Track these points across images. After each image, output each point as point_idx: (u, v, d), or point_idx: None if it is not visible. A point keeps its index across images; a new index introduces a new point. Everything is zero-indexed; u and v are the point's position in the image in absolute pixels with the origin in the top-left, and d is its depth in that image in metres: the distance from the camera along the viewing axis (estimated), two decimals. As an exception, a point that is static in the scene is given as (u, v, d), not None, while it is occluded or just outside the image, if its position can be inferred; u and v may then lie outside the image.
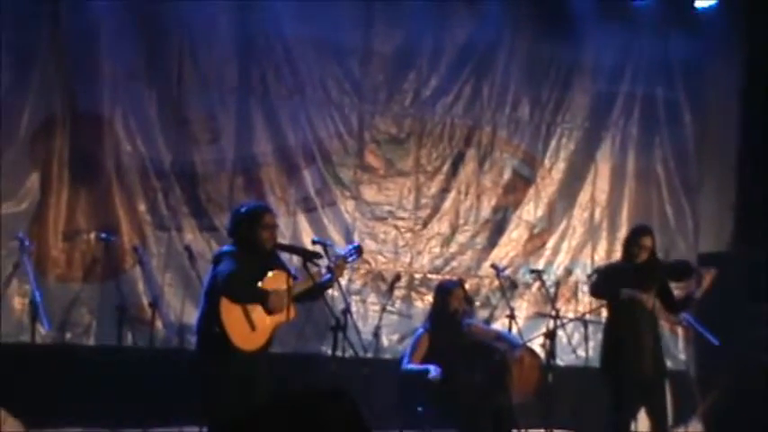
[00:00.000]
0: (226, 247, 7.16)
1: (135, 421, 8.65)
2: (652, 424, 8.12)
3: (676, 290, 8.37)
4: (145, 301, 9.26)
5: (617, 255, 10.65)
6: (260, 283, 6.92)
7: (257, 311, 6.87)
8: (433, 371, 7.66)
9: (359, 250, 7.50)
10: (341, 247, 7.74)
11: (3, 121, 9.06)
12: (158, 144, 9.64)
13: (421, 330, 8.16)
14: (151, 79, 9.65)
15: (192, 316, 9.07)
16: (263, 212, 7.12)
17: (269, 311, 6.88)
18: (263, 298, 6.84)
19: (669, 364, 10.47)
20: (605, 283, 8.24)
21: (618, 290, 7.98)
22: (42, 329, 8.60)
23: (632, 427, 8.42)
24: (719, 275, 8.01)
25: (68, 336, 9.27)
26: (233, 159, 9.90)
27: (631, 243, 8.09)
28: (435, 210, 10.62)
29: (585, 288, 10.49)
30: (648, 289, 7.94)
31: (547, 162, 11.02)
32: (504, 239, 10.83)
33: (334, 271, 7.17)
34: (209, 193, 9.80)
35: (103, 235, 9.00)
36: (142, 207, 9.59)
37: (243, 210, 7.16)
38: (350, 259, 7.43)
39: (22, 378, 7.76)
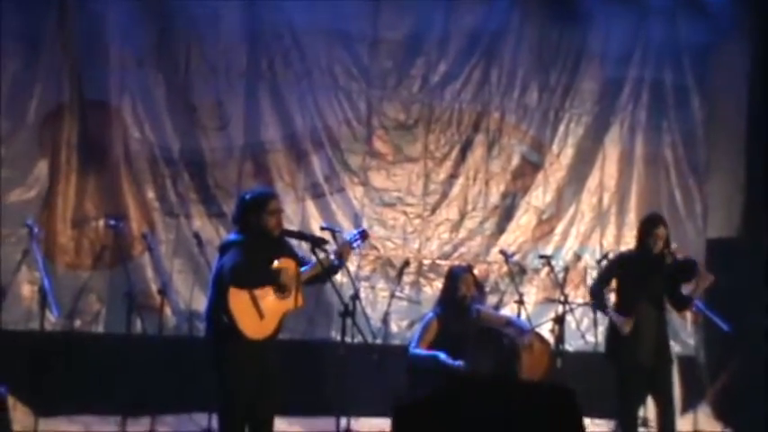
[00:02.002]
0: (232, 236, 7.14)
1: (144, 408, 8.68)
2: (658, 410, 8.13)
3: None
4: (154, 287, 9.28)
5: (626, 239, 10.73)
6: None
7: (265, 299, 6.87)
8: (445, 358, 7.66)
9: (364, 234, 7.49)
10: (348, 233, 7.73)
11: (11, 108, 9.08)
12: (166, 131, 9.65)
13: (431, 315, 8.15)
14: (159, 66, 9.66)
15: (200, 303, 9.09)
16: (268, 198, 7.11)
17: (281, 288, 6.86)
18: (273, 278, 6.83)
19: (678, 349, 10.56)
20: (600, 283, 8.28)
21: (604, 308, 8.05)
22: (51, 317, 8.63)
23: (641, 412, 8.43)
24: (728, 258, 8.00)
25: (77, 323, 9.30)
26: (241, 146, 9.90)
27: (646, 233, 8.06)
28: (444, 196, 10.62)
29: (594, 273, 10.48)
30: (650, 283, 7.94)
31: (555, 147, 11.00)
32: (512, 225, 10.82)
33: (342, 255, 7.17)
34: (217, 179, 9.81)
35: (112, 222, 9.00)
36: (151, 194, 9.60)
37: (248, 196, 7.13)
38: (355, 244, 7.41)
39: (31, 365, 7.77)
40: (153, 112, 9.62)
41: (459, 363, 7.67)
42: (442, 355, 7.70)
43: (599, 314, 9.75)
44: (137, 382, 8.48)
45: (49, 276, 8.09)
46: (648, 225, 8.14)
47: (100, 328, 9.36)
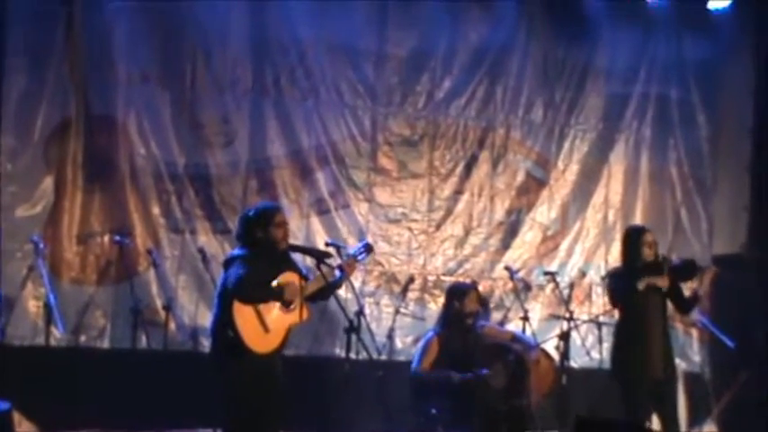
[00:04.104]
0: (237, 251, 7.14)
1: (149, 424, 8.69)
2: (663, 426, 8.11)
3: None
4: (159, 303, 9.28)
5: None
6: (273, 284, 6.91)
7: (270, 314, 6.87)
8: (457, 375, 7.68)
9: (369, 248, 7.49)
10: (352, 248, 7.74)
11: (17, 123, 9.10)
12: (172, 147, 9.67)
13: (431, 334, 8.14)
14: (165, 82, 9.68)
15: (205, 318, 9.11)
16: (274, 212, 7.12)
17: (286, 303, 6.86)
18: (277, 293, 6.83)
19: (684, 365, 10.54)
20: (619, 286, 8.21)
21: (634, 285, 7.94)
22: (57, 332, 8.66)
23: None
24: (734, 276, 8.00)
25: (83, 338, 9.30)
26: (246, 162, 9.91)
27: (635, 244, 8.03)
28: (449, 212, 10.61)
29: (599, 290, 10.49)
30: (652, 292, 7.92)
31: (560, 164, 11.00)
32: (517, 241, 10.80)
33: (346, 269, 7.17)
34: (222, 195, 9.82)
35: (117, 237, 9.02)
36: (156, 210, 9.61)
37: (252, 212, 7.14)
38: (360, 257, 7.41)
39: (36, 380, 7.78)
40: (159, 128, 9.64)
41: (471, 375, 7.67)
42: (454, 374, 7.70)
43: (604, 331, 9.78)
44: (142, 398, 8.48)
45: (55, 292, 8.11)
46: (634, 235, 8.12)
47: (105, 344, 9.36)
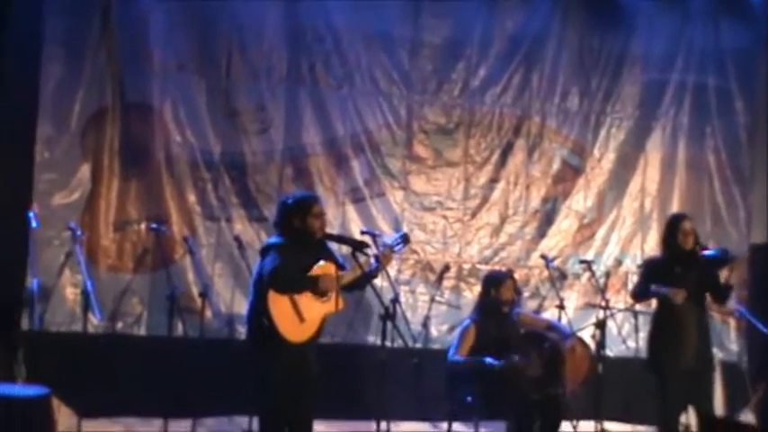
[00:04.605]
0: (273, 239, 7.15)
1: (185, 410, 8.70)
2: (698, 416, 8.06)
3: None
4: (195, 291, 9.31)
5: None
6: (309, 273, 6.91)
7: (305, 303, 6.87)
8: (495, 361, 7.66)
9: (406, 239, 7.47)
10: (389, 237, 7.73)
11: (55, 112, 9.16)
12: (208, 134, 9.70)
13: (468, 321, 8.13)
14: (201, 69, 9.71)
15: (241, 306, 9.14)
16: (312, 202, 7.11)
17: (321, 293, 6.87)
18: (312, 283, 6.84)
19: (721, 355, 10.50)
20: (640, 285, 8.23)
21: (646, 290, 7.97)
22: (94, 319, 8.71)
23: (683, 418, 8.38)
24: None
25: (119, 325, 9.36)
26: (282, 150, 9.92)
27: (673, 232, 8.02)
28: (484, 200, 10.59)
29: (635, 279, 10.43)
30: (687, 282, 7.87)
31: (596, 152, 10.95)
32: (553, 230, 10.78)
33: (382, 260, 7.16)
34: (258, 183, 9.84)
35: (154, 225, 9.03)
36: (192, 197, 9.64)
37: (290, 200, 7.13)
38: (397, 248, 7.40)
39: (74, 367, 7.81)
40: (194, 116, 9.67)
41: (503, 361, 7.65)
42: (488, 359, 7.68)
43: (640, 320, 9.75)
44: (178, 385, 8.49)
45: (92, 279, 8.14)
46: (673, 223, 8.10)
47: (142, 331, 9.42)
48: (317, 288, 6.87)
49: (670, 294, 7.86)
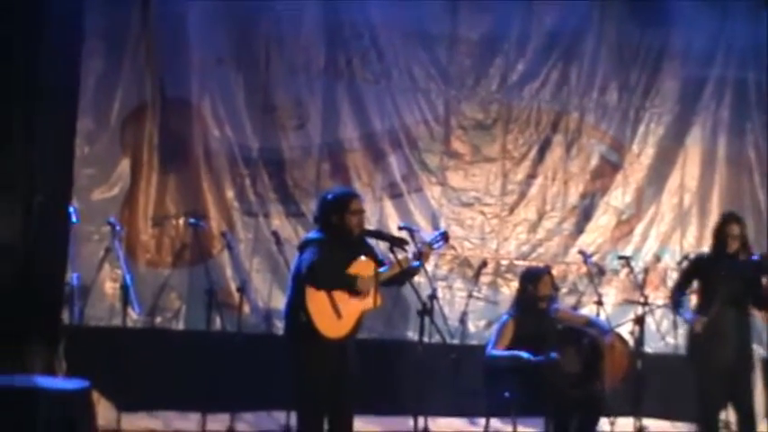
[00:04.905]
0: (312, 234, 7.16)
1: (223, 405, 8.72)
2: (738, 414, 8.03)
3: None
4: (233, 286, 9.34)
5: (707, 241, 10.49)
6: (347, 269, 6.92)
7: (343, 299, 6.87)
8: (527, 355, 7.63)
9: (445, 237, 7.47)
10: (427, 233, 7.72)
11: (95, 107, 9.20)
12: (246, 130, 9.72)
13: (506, 317, 8.12)
14: (239, 65, 9.72)
15: (279, 301, 9.15)
16: (350, 198, 7.12)
17: (357, 294, 6.87)
18: (350, 283, 6.84)
19: (762, 352, 10.38)
20: (679, 285, 8.22)
21: (677, 309, 8.01)
22: (133, 313, 8.75)
23: (723, 415, 8.33)
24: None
25: (158, 320, 9.40)
26: (319, 145, 9.94)
27: (719, 232, 8.02)
28: (522, 196, 10.57)
29: (675, 275, 10.37)
30: (728, 283, 7.83)
31: (635, 147, 10.89)
32: (591, 225, 10.73)
33: (422, 257, 7.15)
34: (296, 179, 9.85)
35: (192, 220, 9.06)
36: (230, 193, 9.67)
37: (330, 196, 7.14)
38: (436, 246, 7.40)
39: (114, 361, 7.86)
40: (233, 112, 9.69)
41: (542, 358, 7.63)
42: (525, 353, 7.66)
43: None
44: (216, 379, 8.53)
45: (131, 273, 8.18)
46: (721, 224, 8.09)
47: (180, 325, 9.46)
48: (354, 287, 6.87)
49: (690, 322, 7.94)
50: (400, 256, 6.99)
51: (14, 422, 5.67)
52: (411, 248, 7.20)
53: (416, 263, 7.12)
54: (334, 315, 6.82)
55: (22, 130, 7.55)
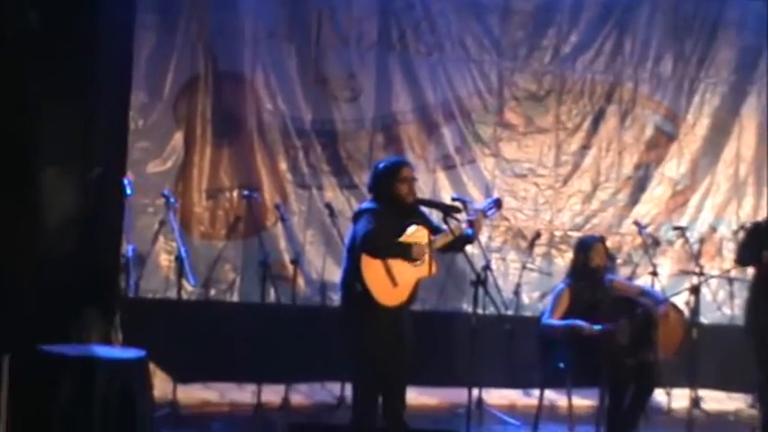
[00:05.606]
0: (366, 204, 7.17)
1: (278, 376, 8.77)
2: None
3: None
4: (287, 258, 9.34)
5: (763, 212, 10.46)
6: (401, 238, 6.92)
7: (398, 267, 6.88)
8: (586, 325, 7.58)
9: (498, 203, 7.44)
10: (481, 203, 7.70)
11: (148, 81, 9.25)
12: (298, 102, 9.72)
13: (562, 286, 8.07)
14: (291, 38, 9.72)
15: (333, 273, 9.19)
16: (400, 166, 7.12)
17: (412, 261, 6.88)
18: (405, 251, 6.84)
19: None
20: (746, 248, 8.12)
21: (758, 254, 7.85)
22: (188, 285, 8.79)
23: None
24: None
25: (213, 292, 9.44)
26: (372, 117, 9.92)
27: None
28: (576, 167, 10.52)
29: (731, 245, 10.29)
30: None
31: (690, 118, 10.81)
32: (646, 196, 10.67)
33: (475, 225, 7.14)
34: (349, 151, 9.85)
35: (246, 192, 9.09)
36: (283, 165, 9.68)
37: (381, 165, 7.17)
38: (489, 213, 7.38)
39: (169, 333, 7.91)
40: (285, 84, 9.69)
41: (599, 326, 7.58)
42: (580, 321, 7.62)
43: (736, 286, 9.63)
44: (271, 351, 8.57)
45: (186, 246, 8.22)
46: None
47: (234, 298, 9.50)
48: (409, 255, 6.88)
49: None
50: (453, 224, 6.98)
51: (72, 391, 5.72)
52: (464, 217, 7.17)
53: (469, 231, 7.11)
54: (390, 283, 6.83)
55: (78, 104, 7.62)
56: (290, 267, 9.04)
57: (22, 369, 5.98)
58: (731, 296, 9.95)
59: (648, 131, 10.73)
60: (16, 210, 7.33)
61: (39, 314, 6.99)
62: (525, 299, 10.13)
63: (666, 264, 10.43)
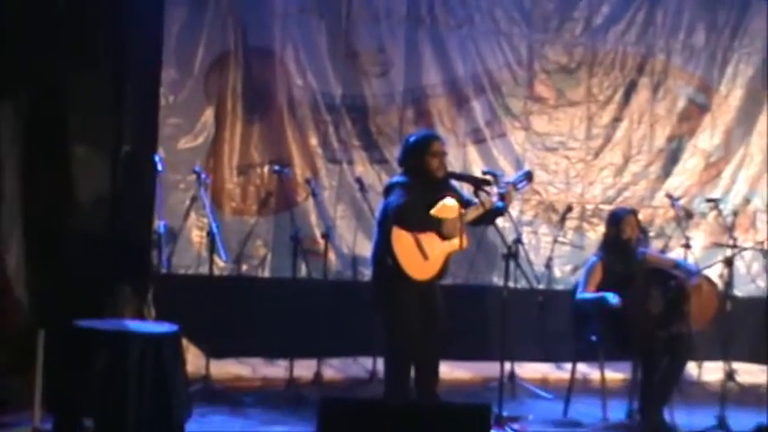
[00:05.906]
0: (396, 177, 7.18)
1: (309, 351, 8.78)
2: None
3: None
4: (317, 233, 9.31)
5: (799, 184, 10.41)
6: (432, 211, 6.92)
7: (429, 241, 6.89)
8: (611, 298, 7.54)
9: (529, 176, 7.44)
10: (511, 177, 7.68)
11: (179, 57, 9.23)
12: (329, 77, 9.69)
13: (594, 259, 8.05)
14: (321, 13, 9.67)
15: (363, 248, 9.19)
16: (431, 140, 7.13)
17: (443, 237, 6.88)
18: (435, 224, 6.84)
19: None
20: None
21: None
22: (220, 261, 8.82)
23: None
24: None
25: (244, 267, 9.45)
26: (402, 92, 9.88)
27: None
28: (607, 139, 10.46)
29: (764, 217, 10.23)
30: None
31: (723, 89, 10.73)
32: (678, 168, 10.62)
33: (506, 198, 7.13)
34: (379, 125, 9.83)
35: (276, 168, 9.08)
36: (314, 140, 9.67)
37: (411, 139, 7.20)
38: (520, 185, 7.38)
39: (201, 309, 7.93)
40: (315, 59, 9.66)
41: (615, 300, 7.53)
42: (609, 294, 7.59)
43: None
44: (303, 326, 8.60)
45: (217, 222, 8.24)
46: None
47: (266, 273, 9.51)
48: (440, 230, 6.88)
49: None
50: (484, 197, 6.97)
51: (106, 365, 5.76)
52: (495, 191, 7.16)
53: (500, 204, 7.10)
54: (421, 257, 6.84)
55: (108, 80, 7.64)
56: (321, 242, 9.03)
57: (57, 344, 6.02)
58: (765, 269, 9.89)
59: (681, 103, 10.66)
60: (50, 187, 7.38)
61: (73, 290, 7.04)
62: (557, 272, 10.11)
63: (699, 236, 10.37)
